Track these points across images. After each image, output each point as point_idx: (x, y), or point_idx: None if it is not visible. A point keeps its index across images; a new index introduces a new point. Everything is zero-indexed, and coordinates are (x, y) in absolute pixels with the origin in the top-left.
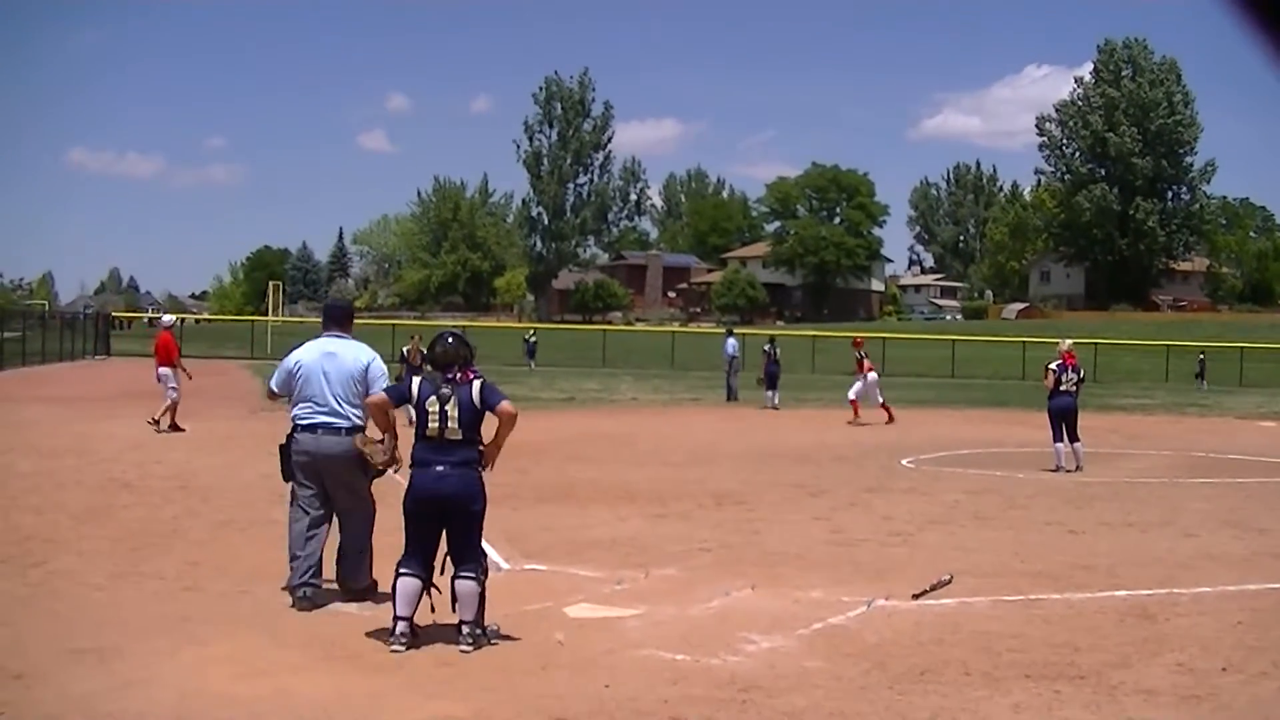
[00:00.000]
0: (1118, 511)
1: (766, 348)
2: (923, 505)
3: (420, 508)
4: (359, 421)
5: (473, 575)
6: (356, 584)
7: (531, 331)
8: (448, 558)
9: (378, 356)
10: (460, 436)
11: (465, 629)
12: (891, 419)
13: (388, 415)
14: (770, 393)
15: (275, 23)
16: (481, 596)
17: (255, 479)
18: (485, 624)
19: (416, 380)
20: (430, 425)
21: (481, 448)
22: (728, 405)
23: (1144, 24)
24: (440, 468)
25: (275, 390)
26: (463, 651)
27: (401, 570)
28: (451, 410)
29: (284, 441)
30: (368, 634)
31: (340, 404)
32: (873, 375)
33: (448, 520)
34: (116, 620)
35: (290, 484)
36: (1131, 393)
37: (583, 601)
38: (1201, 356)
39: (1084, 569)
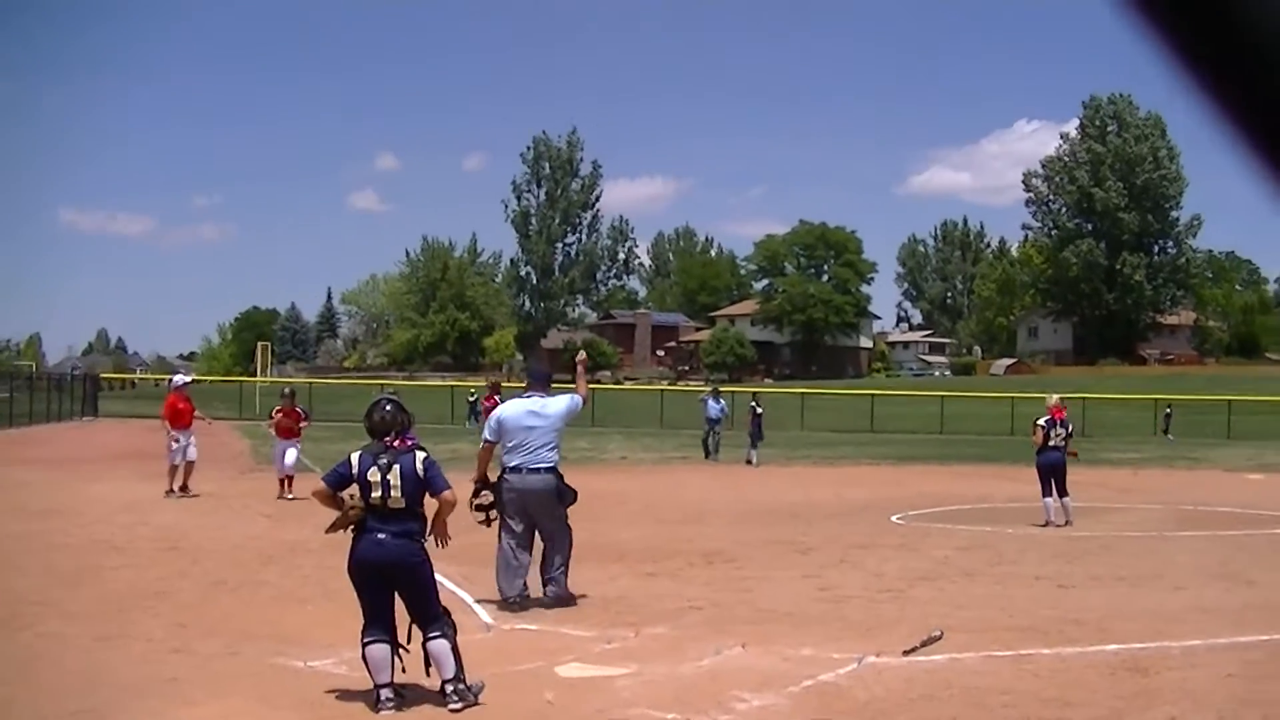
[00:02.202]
0: (1107, 565)
1: (752, 404)
2: (912, 561)
3: (362, 574)
4: (557, 461)
5: (440, 633)
6: (560, 593)
7: (473, 391)
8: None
9: (573, 396)
10: (403, 505)
11: (449, 687)
12: None
13: (334, 500)
14: (751, 449)
15: (265, 81)
16: (455, 651)
17: (244, 540)
18: (469, 681)
19: (356, 456)
20: (373, 495)
21: (429, 534)
22: (708, 463)
23: (1133, 78)
24: (380, 535)
25: (489, 439)
26: (452, 710)
27: (366, 640)
28: (393, 479)
29: (495, 482)
30: (357, 695)
31: (541, 451)
32: None
33: (395, 587)
34: (106, 682)
35: (502, 516)
36: (1120, 447)
37: (573, 661)
38: (1169, 411)
39: (1074, 623)
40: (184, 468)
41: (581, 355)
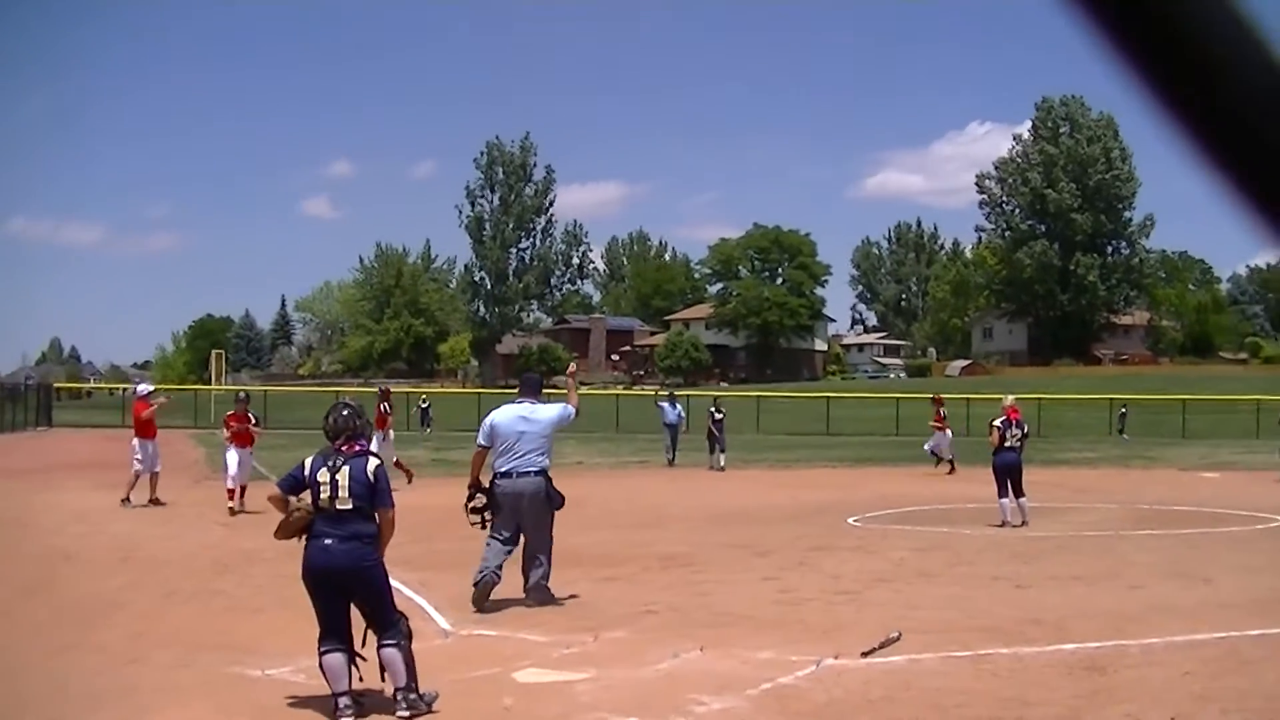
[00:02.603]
0: (1064, 565)
1: (711, 409)
2: (870, 563)
3: (313, 581)
4: (546, 465)
5: (394, 642)
6: (539, 595)
7: (424, 398)
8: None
9: (565, 405)
10: (350, 506)
11: (399, 695)
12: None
13: (288, 504)
14: (712, 454)
15: (217, 88)
16: (409, 660)
17: (199, 549)
18: (421, 689)
19: (309, 459)
20: (321, 496)
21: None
22: (668, 469)
23: (1086, 79)
24: (328, 541)
25: (483, 444)
26: (399, 717)
27: (322, 649)
28: (342, 479)
29: (487, 486)
30: (315, 703)
31: (532, 455)
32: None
33: (347, 594)
34: (62, 694)
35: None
36: (1076, 446)
37: (531, 666)
38: (1124, 410)
39: (1032, 623)
40: (150, 479)
41: (571, 367)
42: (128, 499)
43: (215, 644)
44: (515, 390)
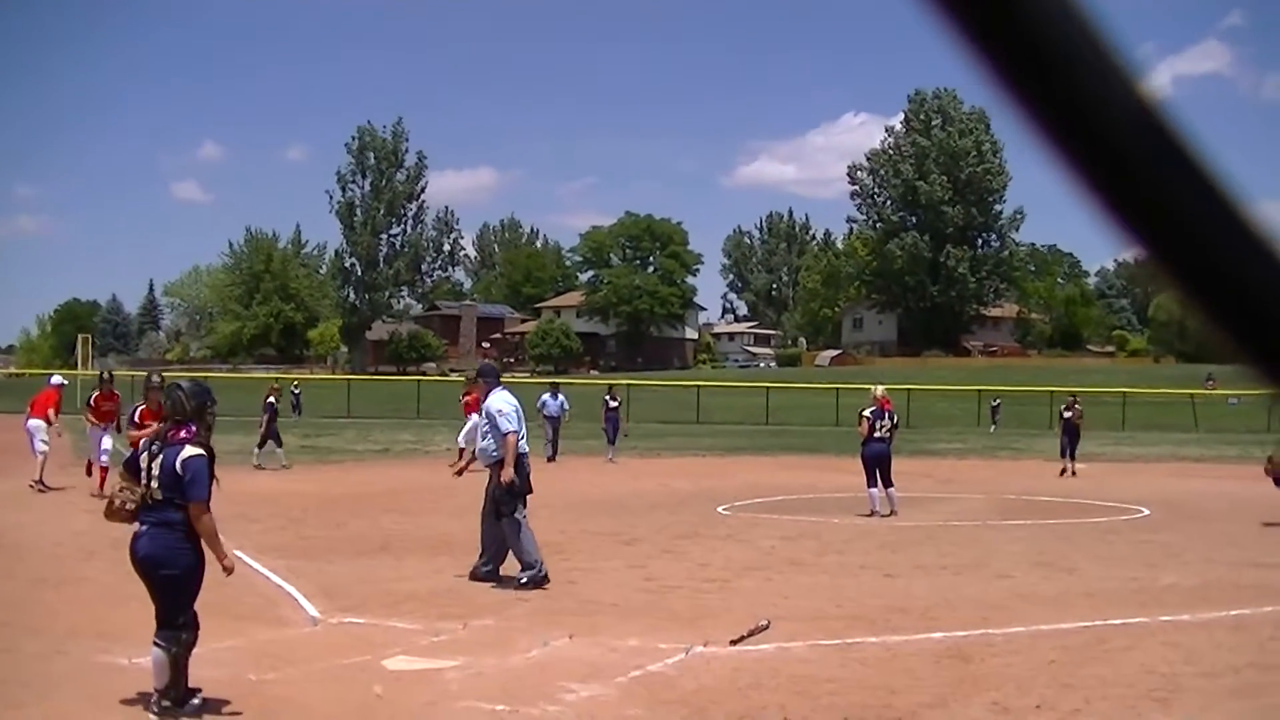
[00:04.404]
0: (932, 555)
1: (606, 398)
2: (739, 552)
3: (135, 569)
4: None
5: (163, 645)
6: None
7: (296, 384)
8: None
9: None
10: (160, 497)
11: (154, 697)
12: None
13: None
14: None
15: (84, 68)
16: (176, 667)
17: (67, 536)
18: (189, 695)
19: (143, 442)
20: (143, 484)
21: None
22: (550, 465)
23: (959, 73)
24: (142, 527)
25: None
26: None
27: (154, 640)
28: (155, 468)
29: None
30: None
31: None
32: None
33: (152, 581)
34: None
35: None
36: (944, 437)
37: (400, 654)
38: (996, 402)
39: (899, 612)
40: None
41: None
42: (39, 482)
43: (84, 632)
44: (383, 376)
